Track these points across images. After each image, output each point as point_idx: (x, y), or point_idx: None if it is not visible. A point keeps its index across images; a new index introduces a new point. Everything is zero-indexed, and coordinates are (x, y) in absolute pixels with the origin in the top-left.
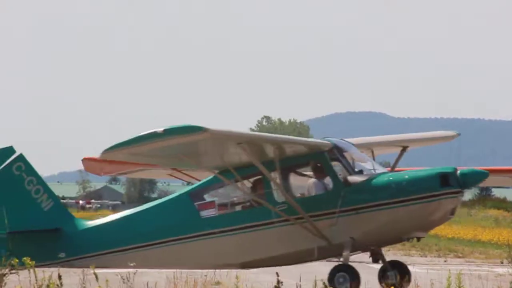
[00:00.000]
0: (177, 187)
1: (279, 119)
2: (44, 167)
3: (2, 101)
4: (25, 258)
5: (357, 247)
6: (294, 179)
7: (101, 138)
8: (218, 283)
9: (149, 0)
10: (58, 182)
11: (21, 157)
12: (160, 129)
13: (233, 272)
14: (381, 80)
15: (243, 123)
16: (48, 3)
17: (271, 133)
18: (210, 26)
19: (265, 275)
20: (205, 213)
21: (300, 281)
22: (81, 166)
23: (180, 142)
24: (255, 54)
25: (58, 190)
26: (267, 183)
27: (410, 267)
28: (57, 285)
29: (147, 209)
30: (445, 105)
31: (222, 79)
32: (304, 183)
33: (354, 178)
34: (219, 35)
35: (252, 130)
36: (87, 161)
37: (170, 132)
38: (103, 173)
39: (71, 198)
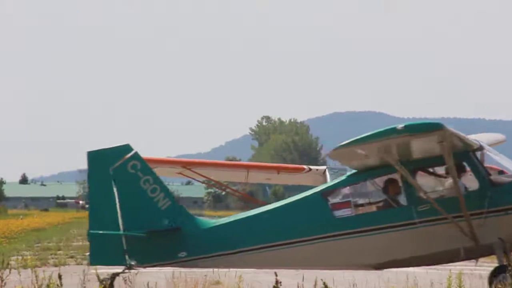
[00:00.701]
0: (176, 187)
1: (279, 119)
2: (44, 167)
3: (2, 101)
4: (25, 258)
5: (505, 248)
6: (433, 179)
7: (102, 138)
8: (218, 283)
9: (149, 0)
10: (58, 182)
11: (136, 156)
12: (400, 125)
13: (233, 272)
14: (381, 80)
15: (243, 123)
16: (47, 3)
17: (271, 133)
18: (210, 26)
19: (265, 275)
20: (340, 213)
21: (302, 280)
22: (81, 166)
23: (413, 140)
24: (255, 54)
25: (58, 190)
26: (407, 183)
27: (410, 267)
28: (57, 285)
29: (276, 208)
30: (445, 105)
31: (222, 79)
32: (441, 182)
33: (500, 179)
34: (219, 35)
35: (252, 130)
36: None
37: (410, 129)
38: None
39: (71, 198)
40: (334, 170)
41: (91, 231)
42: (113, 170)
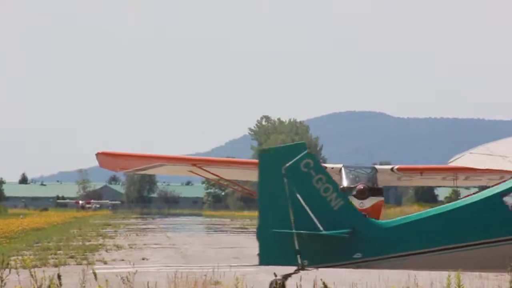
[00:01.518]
0: (176, 187)
1: (279, 119)
2: (44, 167)
3: (2, 101)
4: (25, 258)
5: None
6: None
7: (101, 138)
8: (217, 283)
9: (149, 0)
10: (58, 182)
11: (309, 154)
12: None
13: (232, 272)
14: (381, 80)
15: (242, 123)
16: (47, 2)
17: (270, 133)
18: (210, 26)
19: (265, 275)
20: None
21: (300, 280)
22: (81, 166)
23: None
24: (255, 54)
25: (58, 190)
26: None
27: None
28: (57, 285)
29: (459, 207)
30: (445, 105)
31: (222, 79)
32: None
33: None
34: (219, 35)
35: (251, 130)
36: (102, 156)
37: None
38: (119, 169)
39: (71, 198)
40: (350, 169)
41: (262, 230)
42: (286, 169)
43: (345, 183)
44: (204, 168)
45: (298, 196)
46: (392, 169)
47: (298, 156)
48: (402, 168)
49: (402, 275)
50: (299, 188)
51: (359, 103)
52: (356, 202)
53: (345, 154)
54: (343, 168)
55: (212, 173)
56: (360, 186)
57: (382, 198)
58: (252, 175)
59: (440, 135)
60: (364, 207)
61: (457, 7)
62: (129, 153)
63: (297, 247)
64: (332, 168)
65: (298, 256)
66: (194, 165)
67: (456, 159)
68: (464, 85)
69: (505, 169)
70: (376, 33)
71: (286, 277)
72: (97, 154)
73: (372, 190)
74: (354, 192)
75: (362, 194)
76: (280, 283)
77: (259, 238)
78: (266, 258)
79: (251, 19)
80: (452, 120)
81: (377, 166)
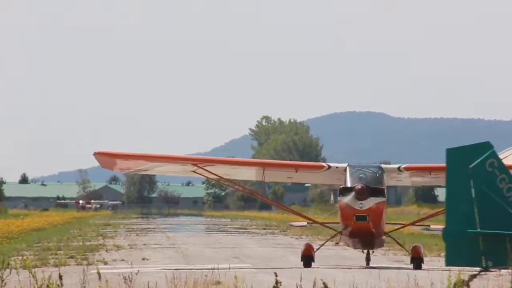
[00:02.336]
0: (176, 187)
1: (279, 119)
2: (44, 167)
3: (2, 101)
4: (25, 258)
5: None
6: None
7: (101, 138)
8: (218, 283)
9: (149, 0)
10: (58, 182)
11: (494, 153)
12: None
13: (232, 272)
14: (381, 80)
15: (242, 123)
16: (46, 3)
17: (271, 133)
18: (210, 26)
19: (265, 275)
20: None
21: (300, 281)
22: (81, 166)
23: None
24: (255, 54)
25: (58, 190)
26: None
27: (410, 267)
28: (57, 285)
29: None
30: (445, 105)
31: (222, 79)
32: None
33: None
34: (219, 35)
35: (251, 130)
36: (100, 156)
37: None
38: (119, 170)
39: (71, 198)
40: (356, 168)
41: (449, 231)
42: (472, 168)
43: (348, 183)
44: (205, 168)
45: (483, 195)
46: (399, 168)
47: (484, 156)
48: (409, 167)
49: (403, 275)
50: (484, 187)
51: (359, 103)
52: (354, 203)
53: (345, 154)
54: (348, 167)
55: (213, 173)
56: (359, 186)
57: (383, 199)
58: (257, 175)
59: (440, 135)
60: (363, 208)
61: (457, 7)
62: (127, 152)
63: (481, 248)
64: (337, 167)
65: (483, 257)
66: (195, 164)
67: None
68: (464, 85)
69: None
70: (376, 33)
71: (471, 278)
72: (95, 154)
73: (373, 190)
74: (353, 193)
75: (360, 195)
76: (466, 285)
77: (445, 238)
78: (452, 259)
79: (251, 19)
80: (452, 120)
81: (384, 165)
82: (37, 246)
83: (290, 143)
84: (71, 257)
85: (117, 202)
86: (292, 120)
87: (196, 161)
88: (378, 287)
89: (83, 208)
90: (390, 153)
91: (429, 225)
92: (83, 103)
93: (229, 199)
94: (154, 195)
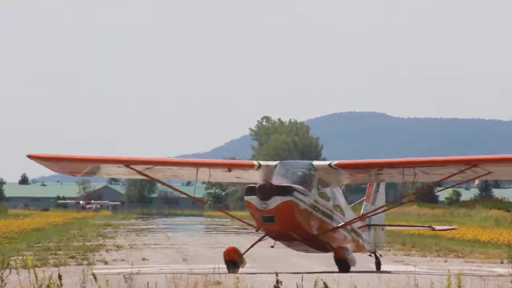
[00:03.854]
0: (176, 187)
1: (279, 119)
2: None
3: (1, 101)
4: (25, 258)
5: None
6: None
7: (101, 138)
8: (218, 283)
9: (149, 1)
10: (58, 182)
11: None
12: None
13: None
14: (381, 80)
15: (242, 123)
16: (46, 3)
17: (271, 133)
18: (210, 26)
19: (265, 275)
20: None
21: (302, 281)
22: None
23: None
24: (255, 54)
25: (58, 190)
26: None
27: (410, 267)
28: (57, 285)
29: None
30: (445, 105)
31: (222, 79)
32: None
33: None
34: (219, 34)
35: (251, 130)
36: (34, 159)
37: None
38: (68, 173)
39: (71, 198)
40: (284, 166)
41: None
42: None
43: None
44: (138, 169)
45: None
46: (330, 165)
47: None
48: (340, 164)
49: (403, 275)
50: None
51: (359, 103)
52: (258, 203)
53: (345, 154)
54: (278, 165)
55: (147, 175)
56: (261, 184)
57: (291, 198)
58: (190, 175)
59: (440, 135)
60: (267, 208)
61: (457, 7)
62: (58, 155)
63: None
64: (267, 165)
65: None
66: (128, 166)
67: None
68: (464, 85)
69: None
70: (376, 33)
71: None
72: (28, 157)
73: (279, 189)
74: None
75: (262, 193)
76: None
77: None
78: None
79: (251, 19)
80: (452, 120)
81: (315, 162)
82: (37, 246)
83: (290, 144)
84: (71, 257)
85: (117, 202)
86: (292, 120)
87: (128, 162)
88: (379, 287)
89: (83, 208)
90: (390, 153)
91: (430, 225)
92: (84, 103)
93: (229, 199)
94: (154, 195)
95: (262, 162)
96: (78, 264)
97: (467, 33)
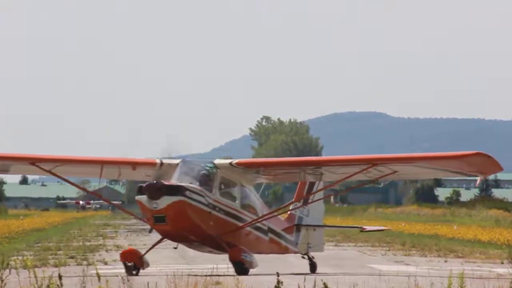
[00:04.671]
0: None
1: (279, 119)
2: None
3: (2, 101)
4: (25, 258)
5: None
6: None
7: (101, 138)
8: (218, 283)
9: (149, 2)
10: (58, 182)
11: None
12: None
13: (232, 271)
14: (381, 80)
15: (242, 123)
16: (45, 4)
17: (271, 133)
18: (210, 25)
19: (265, 275)
20: None
21: (304, 281)
22: None
23: None
24: (255, 54)
25: (58, 190)
26: None
27: (410, 267)
28: (57, 285)
29: None
30: (445, 105)
31: (222, 79)
32: None
33: None
34: (219, 34)
35: (251, 130)
36: None
37: None
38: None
39: (71, 198)
40: (186, 164)
41: None
42: None
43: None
44: (44, 167)
45: None
46: (231, 164)
47: None
48: (241, 163)
49: (403, 277)
50: None
51: (359, 103)
52: (148, 202)
53: (345, 154)
54: (179, 164)
55: (54, 174)
56: (150, 183)
57: (182, 198)
58: (95, 173)
59: (440, 135)
60: (158, 208)
61: (457, 7)
62: None
63: None
64: (170, 164)
65: None
66: (33, 163)
67: None
68: (464, 85)
69: None
70: (376, 33)
71: None
72: None
73: (170, 188)
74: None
75: (151, 193)
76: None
77: None
78: None
79: (251, 19)
80: (452, 120)
81: (217, 161)
82: (37, 246)
83: (290, 144)
84: (71, 257)
85: (118, 202)
86: (292, 120)
87: (34, 160)
88: (379, 287)
89: (83, 208)
90: (390, 153)
91: (362, 226)
92: (83, 103)
93: None
94: None
95: (164, 160)
96: (78, 264)
97: (467, 33)
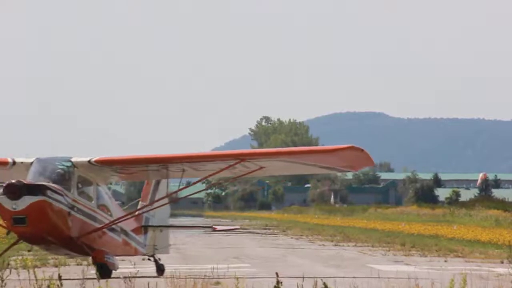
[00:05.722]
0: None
1: (279, 119)
2: None
3: (2, 101)
4: (25, 258)
5: None
6: None
7: (101, 138)
8: (218, 283)
9: (149, 3)
10: None
11: None
12: None
13: (232, 271)
14: (381, 80)
15: (242, 123)
16: (45, 4)
17: (270, 133)
18: (209, 25)
19: (265, 276)
20: None
21: (303, 281)
22: None
23: None
24: (255, 54)
25: None
26: None
27: (410, 267)
28: (57, 285)
29: None
30: (445, 105)
31: (222, 79)
32: None
33: None
34: (219, 34)
35: (251, 130)
36: None
37: None
38: None
39: None
40: (40, 163)
41: None
42: None
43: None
44: None
45: None
46: (90, 161)
47: None
48: (101, 160)
49: (403, 278)
50: None
51: (359, 103)
52: (7, 203)
53: None
54: (34, 162)
55: None
56: (9, 182)
57: (44, 198)
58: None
59: (440, 135)
60: (18, 209)
61: (457, 7)
62: None
63: None
64: (22, 162)
65: None
66: None
67: None
68: (464, 85)
69: None
70: (376, 33)
71: None
72: None
73: (31, 188)
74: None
75: (11, 193)
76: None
77: None
78: None
79: (251, 19)
80: (452, 120)
81: (74, 159)
82: None
83: (290, 143)
84: (71, 257)
85: (117, 202)
86: (291, 120)
87: None
88: (379, 287)
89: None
90: (390, 153)
91: (212, 226)
92: (83, 103)
93: (229, 200)
94: None
95: (17, 159)
96: (78, 264)
97: (467, 33)
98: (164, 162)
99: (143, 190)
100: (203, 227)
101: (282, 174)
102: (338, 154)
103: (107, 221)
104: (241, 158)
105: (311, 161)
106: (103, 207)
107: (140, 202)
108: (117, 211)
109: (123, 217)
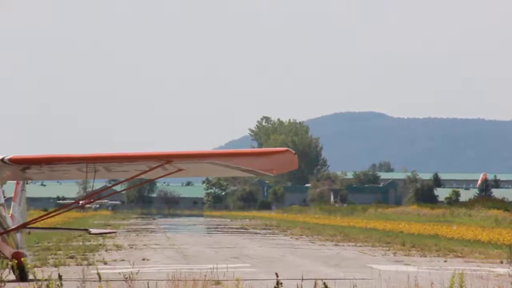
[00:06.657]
0: (176, 187)
1: (279, 120)
2: None
3: (2, 101)
4: (24, 259)
5: None
6: None
7: (101, 138)
8: (217, 283)
9: (149, 3)
10: (58, 182)
11: None
12: None
13: (232, 271)
14: (381, 80)
15: (242, 123)
16: (46, 5)
17: (270, 133)
18: (209, 25)
19: (265, 275)
20: None
21: (302, 281)
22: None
23: None
24: (255, 54)
25: (58, 190)
26: None
27: (410, 267)
28: (58, 285)
29: None
30: (445, 105)
31: (222, 79)
32: None
33: None
34: (219, 34)
35: (251, 130)
36: None
37: None
38: None
39: (71, 198)
40: None
41: None
42: None
43: None
44: None
45: None
46: (2, 160)
47: None
48: (15, 159)
49: (403, 275)
50: None
51: (359, 103)
52: None
53: (345, 154)
54: None
55: None
56: None
57: None
58: None
59: (440, 135)
60: None
61: (457, 7)
62: None
63: None
64: None
65: None
66: None
67: None
68: (464, 84)
69: None
70: (376, 33)
71: None
72: None
73: None
74: None
75: None
76: None
77: None
78: None
79: (251, 19)
80: (452, 120)
81: None
82: (37, 246)
83: (290, 144)
84: (71, 257)
85: (117, 202)
86: (292, 121)
87: None
88: (379, 286)
89: (82, 208)
90: (390, 153)
91: (87, 229)
92: (83, 103)
93: (229, 199)
94: (154, 195)
95: None
96: (77, 264)
97: (466, 33)
98: (77, 162)
99: (14, 189)
100: (77, 229)
101: (198, 175)
102: (272, 157)
103: (8, 223)
104: (167, 160)
105: (245, 165)
106: (2, 208)
107: (12, 203)
108: (6, 213)
109: (31, 221)
